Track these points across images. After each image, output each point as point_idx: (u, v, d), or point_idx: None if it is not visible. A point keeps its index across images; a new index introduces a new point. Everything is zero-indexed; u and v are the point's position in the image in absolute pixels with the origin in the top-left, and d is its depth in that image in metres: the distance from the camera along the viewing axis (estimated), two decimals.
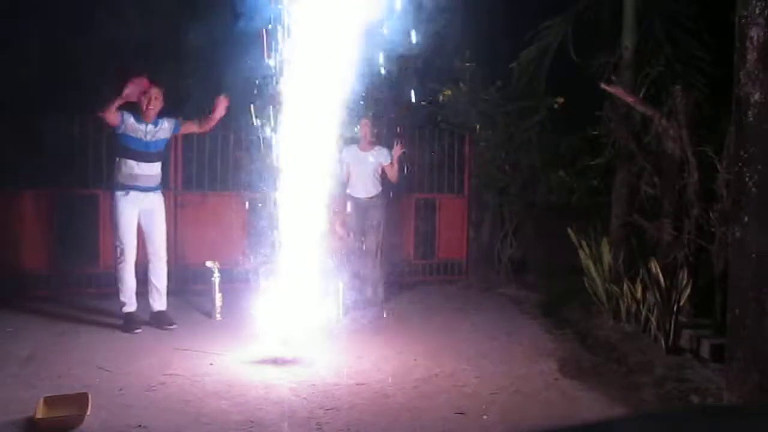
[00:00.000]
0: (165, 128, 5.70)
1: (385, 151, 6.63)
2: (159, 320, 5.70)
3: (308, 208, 5.13)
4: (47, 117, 6.71)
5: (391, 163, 6.61)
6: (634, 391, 4.37)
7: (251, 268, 6.66)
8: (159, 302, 5.76)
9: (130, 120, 5.52)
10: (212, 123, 5.84)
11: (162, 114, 5.68)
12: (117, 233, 5.56)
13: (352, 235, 6.60)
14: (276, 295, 5.07)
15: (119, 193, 5.54)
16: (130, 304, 5.63)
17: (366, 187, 6.59)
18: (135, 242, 5.59)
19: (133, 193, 5.54)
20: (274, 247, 5.24)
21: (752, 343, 3.95)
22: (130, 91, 5.43)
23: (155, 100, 5.57)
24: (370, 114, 6.81)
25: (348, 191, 6.62)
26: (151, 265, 5.74)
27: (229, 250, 7.01)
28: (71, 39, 7.07)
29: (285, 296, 5.03)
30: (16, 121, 6.69)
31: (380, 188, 6.63)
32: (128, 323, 5.56)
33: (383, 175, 6.65)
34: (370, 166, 6.58)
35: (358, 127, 6.61)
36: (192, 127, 5.94)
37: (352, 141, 6.67)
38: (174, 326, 5.68)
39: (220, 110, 5.71)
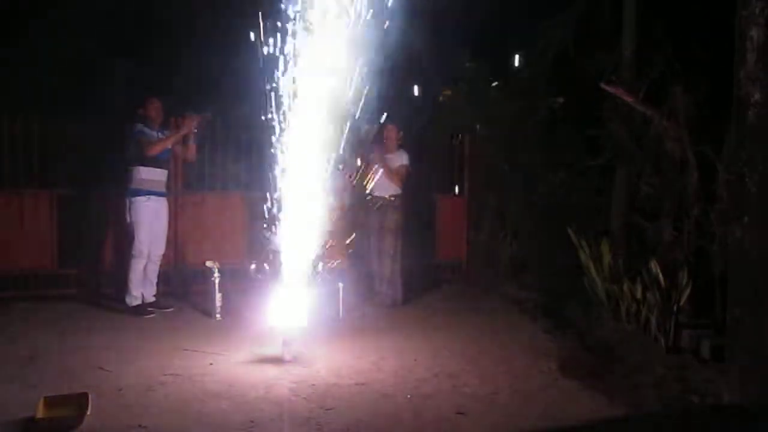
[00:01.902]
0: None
1: (405, 154, 6.77)
2: (158, 305, 6.24)
3: (308, 208, 5.13)
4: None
5: (404, 165, 6.71)
6: (634, 391, 4.37)
7: (251, 268, 6.68)
8: (152, 292, 6.28)
9: (146, 131, 6.10)
10: (191, 151, 6.40)
11: (163, 126, 6.27)
12: (138, 235, 6.07)
13: (371, 237, 6.78)
14: (276, 295, 5.06)
15: (140, 199, 6.05)
16: (139, 297, 6.15)
17: (387, 187, 6.71)
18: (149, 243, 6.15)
19: (153, 198, 6.10)
20: (274, 247, 5.23)
21: (752, 343, 3.96)
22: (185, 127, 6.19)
23: (160, 110, 6.17)
24: (393, 119, 6.86)
25: (370, 190, 6.76)
26: (150, 263, 6.22)
27: (229, 250, 7.01)
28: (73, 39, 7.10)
29: (285, 296, 5.03)
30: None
31: (400, 190, 6.74)
32: (140, 311, 6.08)
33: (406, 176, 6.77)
34: (393, 168, 6.70)
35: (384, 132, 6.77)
36: (180, 151, 6.46)
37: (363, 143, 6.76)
38: (171, 308, 6.27)
39: (187, 126, 6.23)
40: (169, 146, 6.18)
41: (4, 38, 7.11)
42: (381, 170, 6.64)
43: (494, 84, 7.68)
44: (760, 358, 3.91)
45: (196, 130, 6.29)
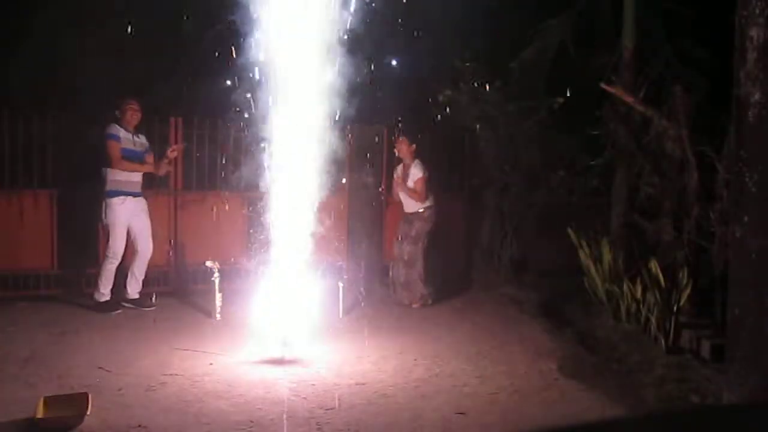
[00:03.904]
0: (143, 143, 6.38)
1: (419, 165, 6.77)
2: (141, 304, 6.31)
3: (307, 208, 5.13)
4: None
5: (420, 178, 6.72)
6: (634, 391, 4.37)
7: (251, 268, 6.69)
8: (137, 289, 6.34)
9: (121, 133, 6.15)
10: (160, 171, 6.52)
11: (139, 129, 6.34)
12: (113, 236, 6.12)
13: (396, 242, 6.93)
14: (276, 295, 5.06)
15: (116, 200, 6.10)
16: (108, 294, 6.22)
17: (412, 205, 6.82)
18: (125, 244, 6.22)
19: (128, 200, 6.14)
20: (274, 247, 5.23)
21: (752, 343, 3.95)
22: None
23: (136, 112, 6.21)
24: (403, 132, 7.02)
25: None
26: (138, 261, 6.30)
27: (229, 250, 7.01)
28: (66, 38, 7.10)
29: (285, 296, 5.03)
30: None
31: (428, 203, 6.79)
32: (107, 307, 6.14)
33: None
34: (411, 183, 6.78)
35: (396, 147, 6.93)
36: (150, 164, 6.43)
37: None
38: (153, 307, 6.30)
39: (169, 157, 6.48)
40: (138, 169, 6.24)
41: (4, 37, 7.10)
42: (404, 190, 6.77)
43: (494, 84, 7.67)
44: (760, 358, 3.91)
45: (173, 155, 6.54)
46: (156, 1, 7.30)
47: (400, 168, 6.95)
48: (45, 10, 7.31)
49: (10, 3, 7.20)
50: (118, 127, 6.14)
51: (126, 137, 6.16)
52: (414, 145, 6.82)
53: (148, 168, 6.37)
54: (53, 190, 6.78)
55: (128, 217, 6.17)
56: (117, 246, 6.12)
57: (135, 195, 6.22)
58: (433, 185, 6.86)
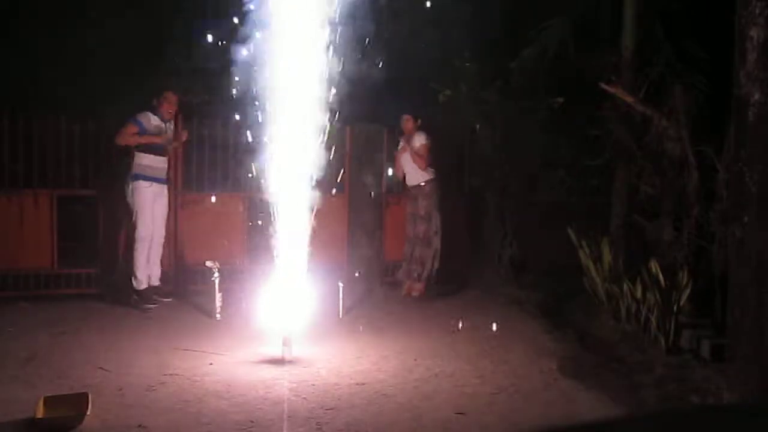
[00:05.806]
0: (169, 137, 6.51)
1: (422, 134, 6.99)
2: (159, 293, 6.40)
3: (307, 208, 5.13)
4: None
5: (423, 144, 6.91)
6: (634, 391, 4.37)
7: (251, 267, 6.70)
8: (158, 274, 6.46)
9: (152, 122, 6.27)
10: (179, 139, 6.67)
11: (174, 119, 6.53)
12: (140, 219, 6.21)
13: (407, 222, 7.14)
14: (276, 295, 5.06)
15: (144, 184, 6.21)
16: (144, 281, 6.31)
17: (414, 176, 7.01)
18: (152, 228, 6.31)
19: (155, 185, 6.28)
20: (274, 247, 5.23)
21: (752, 343, 3.96)
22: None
23: (173, 104, 6.37)
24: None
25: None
26: (155, 246, 6.40)
27: (229, 250, 7.00)
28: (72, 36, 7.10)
29: (285, 296, 5.03)
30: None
31: (428, 176, 6.99)
32: (144, 299, 6.25)
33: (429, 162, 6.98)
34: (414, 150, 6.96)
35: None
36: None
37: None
38: (170, 299, 6.43)
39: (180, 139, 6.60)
40: (132, 143, 6.23)
41: (4, 37, 7.11)
42: (406, 156, 6.92)
43: (494, 84, 7.66)
44: (760, 358, 3.91)
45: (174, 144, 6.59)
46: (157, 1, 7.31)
47: (402, 141, 7.11)
48: (46, 9, 7.31)
49: (11, 2, 7.20)
50: (151, 115, 6.26)
51: (157, 126, 6.29)
52: (419, 121, 7.03)
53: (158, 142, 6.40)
54: (53, 190, 6.78)
55: (153, 201, 6.29)
56: (146, 228, 6.23)
57: (160, 181, 6.38)
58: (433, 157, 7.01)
